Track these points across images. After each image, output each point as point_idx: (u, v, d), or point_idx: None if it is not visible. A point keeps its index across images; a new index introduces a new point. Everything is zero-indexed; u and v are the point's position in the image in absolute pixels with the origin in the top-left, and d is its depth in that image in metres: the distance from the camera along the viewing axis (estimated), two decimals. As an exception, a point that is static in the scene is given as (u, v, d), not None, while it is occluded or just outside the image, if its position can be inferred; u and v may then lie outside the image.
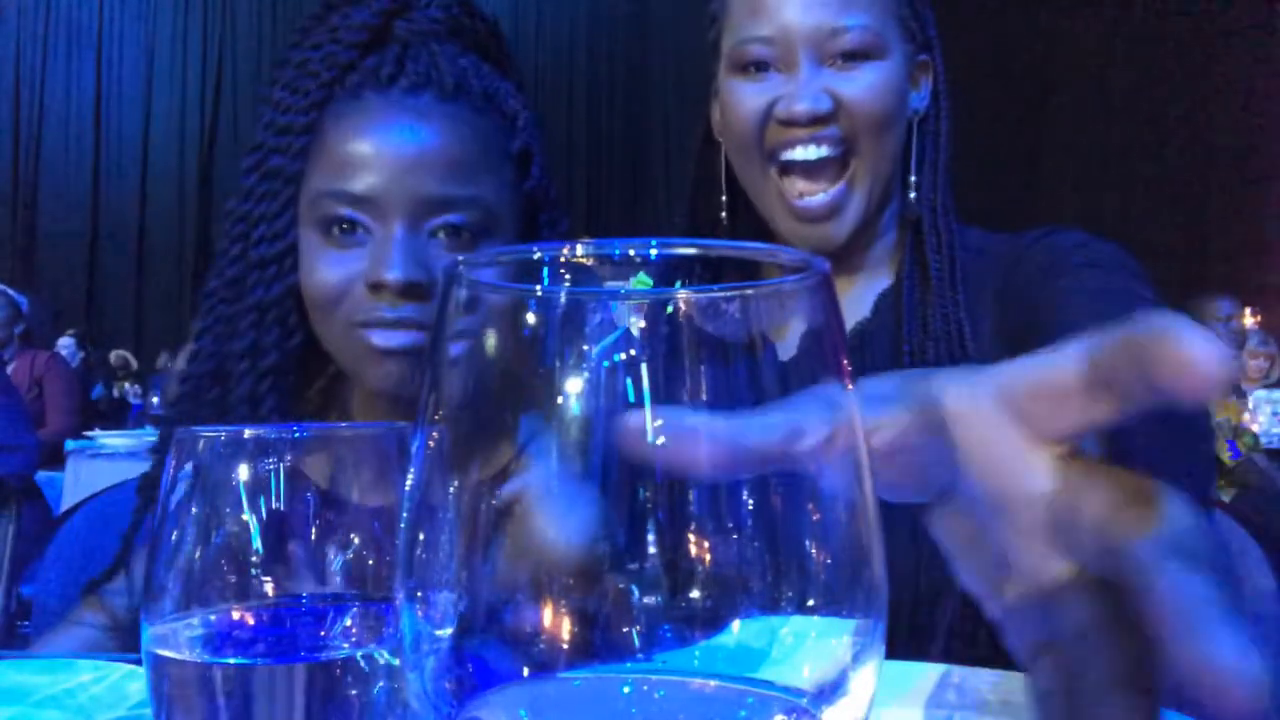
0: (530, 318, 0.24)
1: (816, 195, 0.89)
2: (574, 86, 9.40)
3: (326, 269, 0.82)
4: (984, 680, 0.59)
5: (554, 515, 0.24)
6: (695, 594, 0.24)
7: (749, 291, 0.24)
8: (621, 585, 0.24)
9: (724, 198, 0.99)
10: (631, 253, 0.25)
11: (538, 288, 0.25)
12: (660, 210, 9.32)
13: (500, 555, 0.24)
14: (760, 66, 0.90)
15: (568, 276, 0.25)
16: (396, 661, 0.38)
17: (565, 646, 0.24)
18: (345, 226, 0.82)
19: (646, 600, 0.24)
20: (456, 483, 0.25)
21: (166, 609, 0.37)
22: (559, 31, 9.34)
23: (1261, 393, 4.11)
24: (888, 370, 0.95)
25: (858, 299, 0.97)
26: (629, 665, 0.25)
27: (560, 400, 0.24)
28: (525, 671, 0.25)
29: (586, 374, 0.24)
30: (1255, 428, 3.38)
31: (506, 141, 0.87)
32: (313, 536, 0.38)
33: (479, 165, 0.84)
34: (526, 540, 0.24)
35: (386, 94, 0.83)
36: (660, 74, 9.46)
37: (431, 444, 0.25)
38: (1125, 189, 7.96)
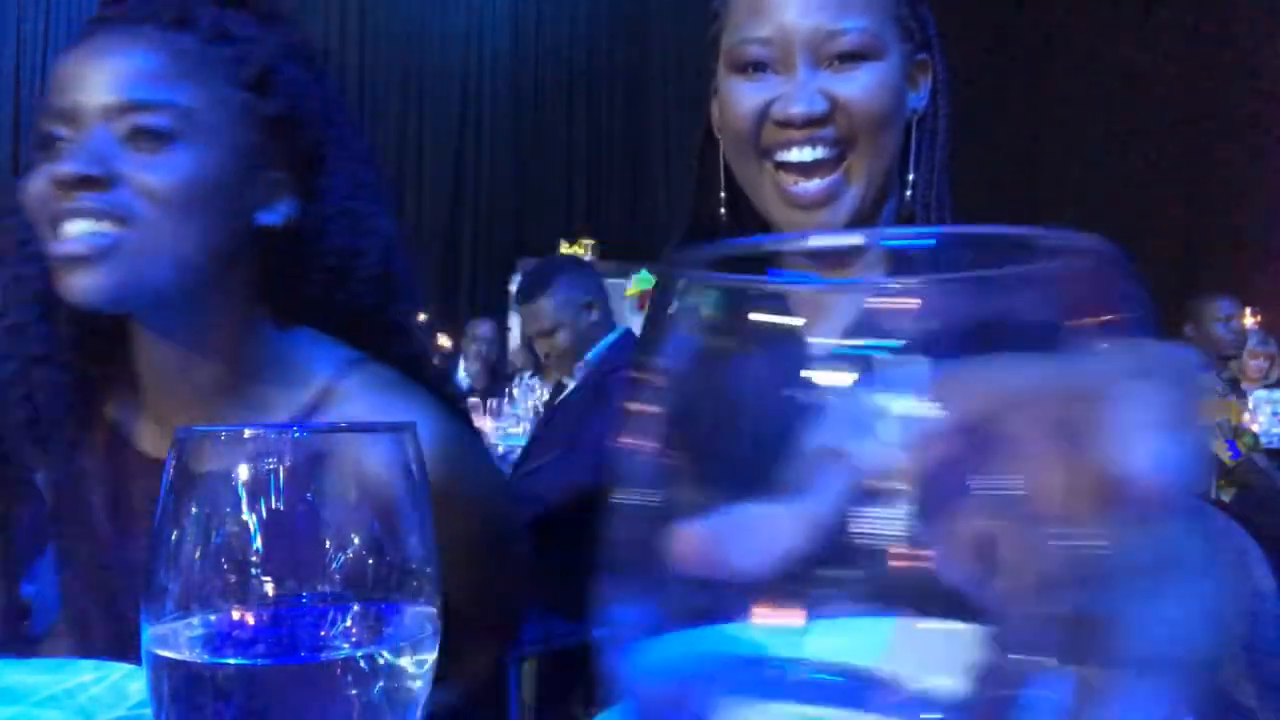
0: (791, 310, 0.24)
1: (813, 181, 0.89)
2: (574, 86, 9.40)
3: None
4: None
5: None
6: None
7: (1040, 273, 0.22)
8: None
9: (723, 194, 0.99)
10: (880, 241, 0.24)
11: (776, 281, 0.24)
12: (660, 210, 9.31)
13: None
14: (758, 67, 0.90)
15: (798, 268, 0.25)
16: (397, 661, 0.38)
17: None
18: None
19: None
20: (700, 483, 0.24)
21: (167, 609, 0.37)
22: (559, 31, 9.34)
23: (1262, 393, 4.11)
24: None
25: (852, 300, 0.96)
26: None
27: (835, 392, 0.23)
28: None
29: (853, 366, 0.23)
30: (1255, 427, 3.38)
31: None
32: (313, 537, 0.38)
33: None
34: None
35: None
36: (660, 74, 9.46)
37: (669, 453, 0.24)
38: (1125, 188, 7.96)
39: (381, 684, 0.37)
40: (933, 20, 0.96)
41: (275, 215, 0.88)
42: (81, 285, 0.78)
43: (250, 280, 0.89)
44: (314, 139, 0.90)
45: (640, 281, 4.48)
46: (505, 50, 9.23)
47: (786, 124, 0.88)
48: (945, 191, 0.95)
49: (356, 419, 0.86)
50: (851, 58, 0.88)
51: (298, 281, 0.91)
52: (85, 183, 0.78)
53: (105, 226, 0.78)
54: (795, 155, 0.89)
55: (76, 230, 0.78)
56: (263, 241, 0.88)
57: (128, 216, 0.79)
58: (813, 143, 0.88)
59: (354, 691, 0.37)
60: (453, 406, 0.97)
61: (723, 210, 1.00)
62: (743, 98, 0.91)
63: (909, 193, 0.94)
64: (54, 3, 8.62)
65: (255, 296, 0.90)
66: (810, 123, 0.88)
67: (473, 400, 3.70)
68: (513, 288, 8.93)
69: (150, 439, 0.93)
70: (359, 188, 0.93)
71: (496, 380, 5.07)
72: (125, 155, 0.79)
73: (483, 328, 5.48)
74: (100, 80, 0.80)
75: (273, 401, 0.89)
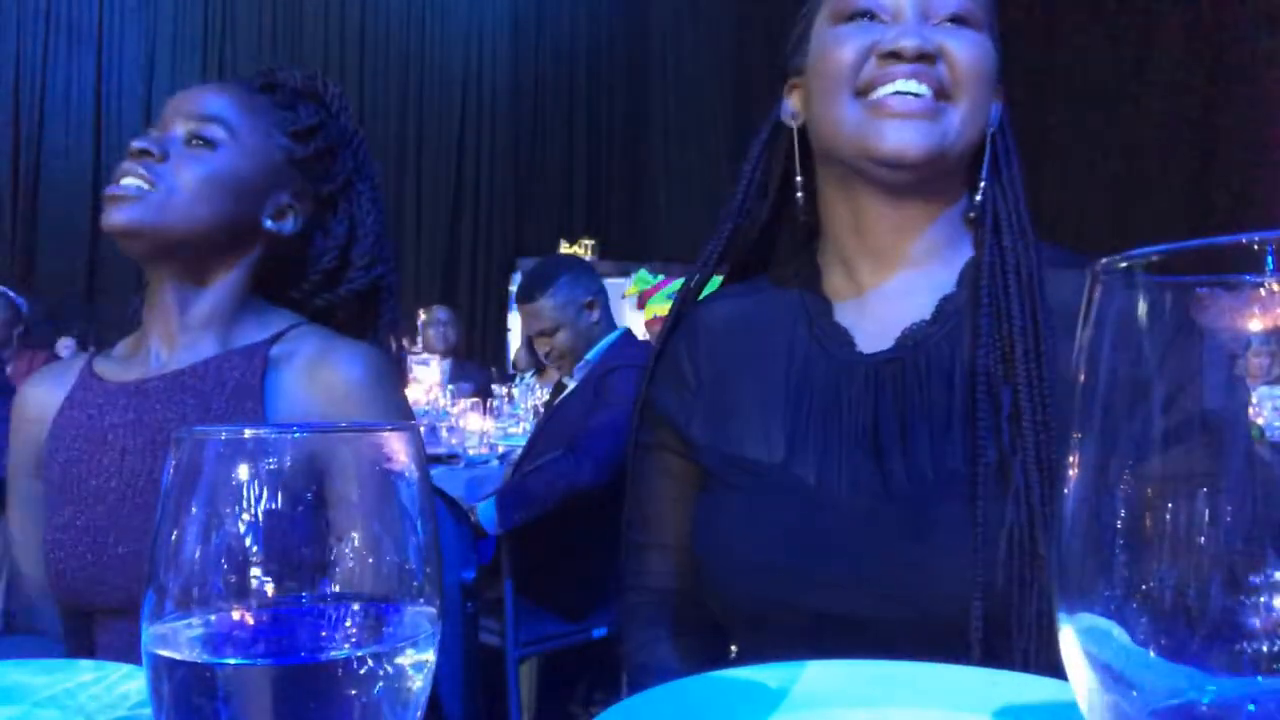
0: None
1: (911, 94, 0.87)
2: (574, 86, 9.40)
3: None
4: (1028, 686, 0.59)
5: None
6: None
7: None
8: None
9: (799, 178, 0.98)
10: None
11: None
12: (660, 210, 9.31)
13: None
14: (867, 15, 0.90)
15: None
16: (397, 661, 0.38)
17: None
18: None
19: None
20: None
21: (167, 609, 0.37)
22: (559, 31, 9.34)
23: (1264, 389, 4.12)
24: (945, 387, 0.93)
25: (913, 296, 0.93)
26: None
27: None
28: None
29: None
30: (1260, 421, 3.39)
31: None
32: (313, 537, 0.38)
33: None
34: None
35: None
36: (660, 74, 9.45)
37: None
38: (1126, 187, 7.96)
39: (381, 684, 0.37)
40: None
41: (279, 226, 1.17)
42: (111, 217, 1.07)
43: (250, 265, 1.17)
44: (330, 190, 1.22)
45: (640, 281, 4.48)
46: (505, 50, 9.23)
47: (895, 55, 0.86)
48: (1023, 206, 0.92)
49: (310, 351, 1.13)
50: (960, 21, 0.89)
51: (288, 281, 1.23)
52: (144, 154, 1.09)
53: (141, 183, 1.08)
54: (899, 87, 0.86)
55: (124, 180, 1.08)
56: (267, 241, 1.17)
57: (157, 181, 1.08)
58: (919, 77, 0.86)
59: (354, 691, 0.37)
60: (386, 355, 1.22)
61: (799, 195, 0.98)
62: (848, 39, 0.89)
63: (979, 198, 0.93)
64: (52, 21, 8.62)
65: (250, 277, 1.17)
66: (921, 57, 0.86)
67: (473, 400, 3.70)
68: (513, 288, 8.94)
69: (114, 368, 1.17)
70: (359, 235, 1.25)
71: (457, 358, 5.34)
72: (181, 148, 1.11)
73: (440, 313, 5.77)
74: (186, 100, 1.15)
75: (244, 336, 1.15)
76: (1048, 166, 8.03)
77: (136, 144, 1.09)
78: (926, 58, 0.86)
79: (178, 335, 1.13)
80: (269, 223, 1.16)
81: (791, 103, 0.98)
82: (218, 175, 1.10)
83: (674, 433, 0.99)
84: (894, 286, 0.94)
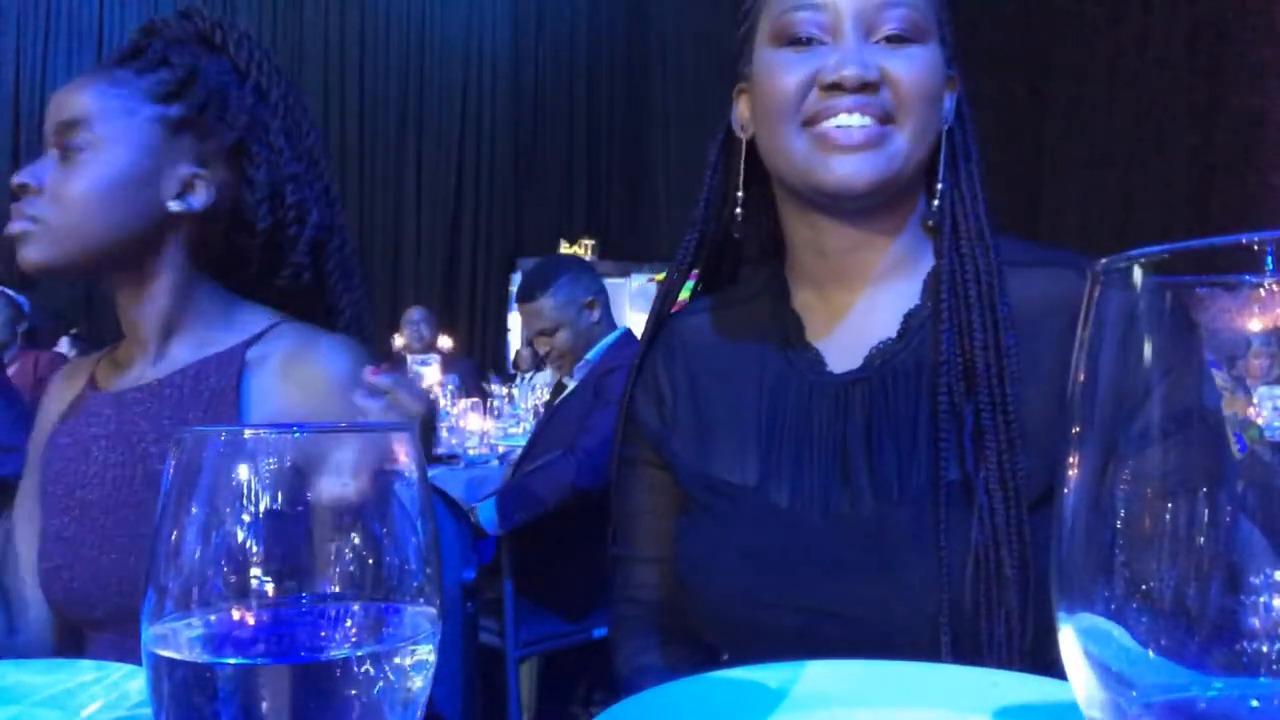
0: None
1: (855, 126, 0.86)
2: (574, 86, 9.39)
3: None
4: (1029, 686, 0.59)
5: None
6: None
7: None
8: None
9: (739, 194, 0.97)
10: None
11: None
12: (660, 210, 9.31)
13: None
14: (807, 41, 0.88)
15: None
16: (397, 661, 0.38)
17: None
18: None
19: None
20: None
21: (167, 609, 0.37)
22: (559, 32, 9.34)
23: (1264, 389, 4.13)
24: (911, 406, 0.92)
25: (879, 312, 0.92)
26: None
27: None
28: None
29: None
30: (1260, 421, 3.39)
31: None
32: (313, 537, 0.38)
33: None
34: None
35: None
36: (660, 74, 9.45)
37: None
38: (1125, 186, 7.96)
39: (381, 684, 0.37)
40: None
41: (186, 204, 1.07)
42: (19, 260, 1.04)
43: (185, 251, 1.10)
44: (236, 137, 1.10)
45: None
46: (505, 50, 9.23)
47: (836, 86, 0.85)
48: (982, 208, 0.91)
49: (286, 348, 1.08)
50: (900, 39, 0.87)
51: (235, 259, 1.14)
52: (23, 189, 1.04)
53: (25, 222, 1.03)
54: (841, 122, 0.86)
55: (12, 223, 1.04)
56: (189, 223, 1.09)
57: (38, 214, 1.03)
58: (861, 110, 0.86)
59: (354, 691, 0.37)
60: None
61: (738, 210, 0.97)
62: (789, 66, 0.88)
63: (936, 202, 0.91)
64: (52, 21, 8.62)
65: (193, 264, 1.11)
66: (863, 86, 0.85)
67: (473, 400, 3.70)
68: (513, 288, 8.94)
69: (103, 374, 1.15)
70: (285, 180, 1.12)
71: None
72: (55, 168, 1.04)
73: (414, 312, 5.94)
74: (51, 109, 1.06)
75: (217, 340, 1.10)
76: (1046, 169, 8.04)
77: (14, 180, 1.04)
78: (869, 86, 0.85)
79: (149, 344, 1.10)
80: (174, 204, 1.06)
81: (740, 109, 0.98)
82: (92, 184, 1.03)
83: (654, 449, 1.00)
84: (861, 304, 0.94)
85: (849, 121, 0.86)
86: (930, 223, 0.93)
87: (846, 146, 0.85)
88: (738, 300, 1.03)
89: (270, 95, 1.13)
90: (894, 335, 0.91)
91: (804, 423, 0.89)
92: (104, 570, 1.02)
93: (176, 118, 1.07)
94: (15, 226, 1.04)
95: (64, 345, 5.29)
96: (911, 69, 0.86)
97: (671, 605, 0.99)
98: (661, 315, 1.04)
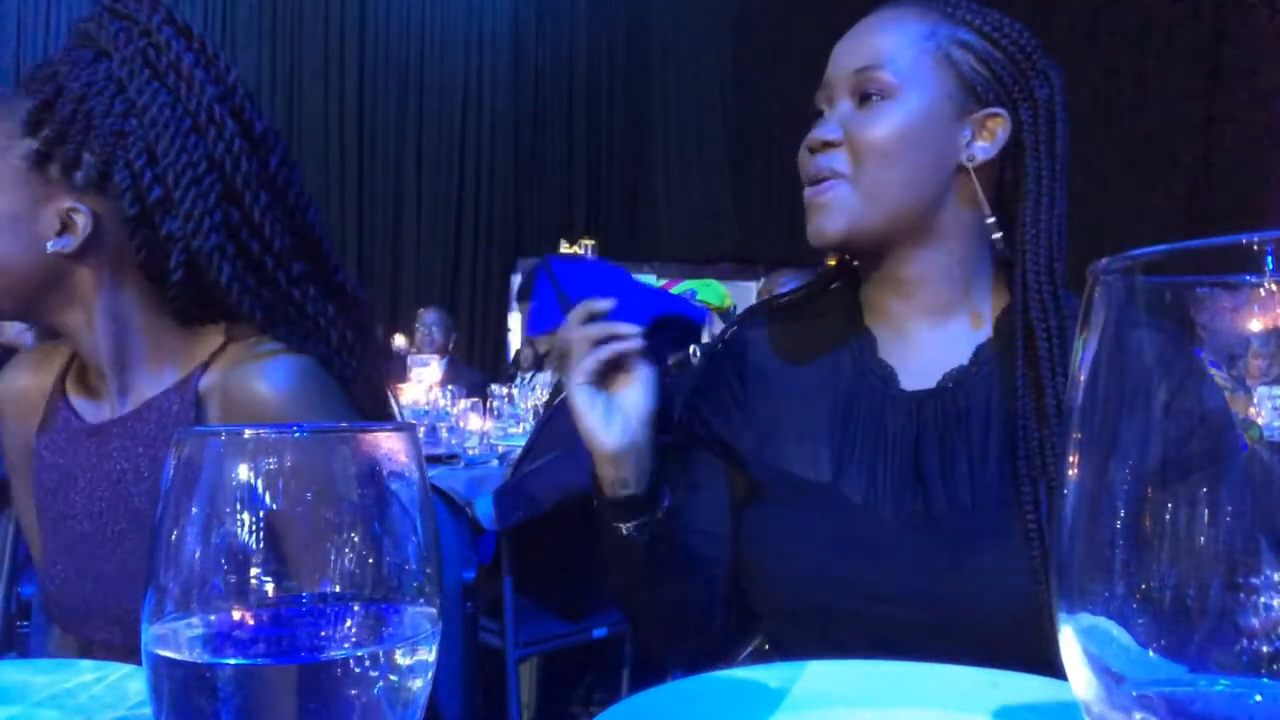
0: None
1: (810, 185, 0.99)
2: (574, 87, 9.39)
3: None
4: (1029, 686, 0.59)
5: None
6: None
7: None
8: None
9: None
10: None
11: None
12: (660, 210, 9.31)
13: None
14: (818, 114, 1.00)
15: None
16: (397, 661, 0.38)
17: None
18: None
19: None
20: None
21: (167, 609, 0.37)
22: (559, 31, 9.34)
23: (1264, 389, 4.14)
24: (983, 422, 1.02)
25: (951, 342, 1.00)
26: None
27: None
28: None
29: None
30: (1260, 420, 3.40)
31: None
32: (313, 537, 0.38)
33: None
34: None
35: None
36: (660, 74, 9.45)
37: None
38: (1127, 184, 7.96)
39: (381, 684, 0.37)
40: (1042, 79, 0.97)
41: (65, 241, 0.98)
42: None
43: (100, 288, 1.00)
44: (102, 150, 0.97)
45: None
46: (505, 51, 9.22)
47: (810, 149, 0.98)
48: (1056, 246, 0.96)
49: (220, 380, 1.00)
50: (868, 97, 0.96)
51: (157, 282, 1.01)
52: None
53: None
54: (811, 172, 0.98)
55: None
56: (80, 261, 0.99)
57: None
58: (816, 169, 0.97)
59: (354, 691, 0.37)
60: (328, 366, 1.04)
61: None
62: (806, 138, 1.00)
63: (995, 235, 0.98)
64: (52, 21, 8.61)
65: (118, 296, 1.01)
66: (823, 145, 0.97)
67: (473, 400, 3.70)
68: (513, 288, 8.94)
69: (77, 404, 1.09)
70: (152, 208, 0.97)
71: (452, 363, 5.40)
72: None
73: (427, 315, 5.84)
74: None
75: (174, 368, 1.03)
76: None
77: None
78: (826, 145, 0.97)
79: (108, 379, 1.04)
80: (51, 244, 0.97)
81: None
82: None
83: (722, 445, 1.06)
84: (933, 334, 1.01)
85: (810, 181, 0.98)
86: (1002, 257, 1.00)
87: (810, 204, 0.98)
88: (804, 315, 1.09)
89: (129, 88, 0.98)
90: (966, 362, 0.98)
91: (877, 428, 0.97)
92: (101, 596, 1.02)
93: (43, 148, 0.97)
94: None
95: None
96: (869, 125, 0.95)
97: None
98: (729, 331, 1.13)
